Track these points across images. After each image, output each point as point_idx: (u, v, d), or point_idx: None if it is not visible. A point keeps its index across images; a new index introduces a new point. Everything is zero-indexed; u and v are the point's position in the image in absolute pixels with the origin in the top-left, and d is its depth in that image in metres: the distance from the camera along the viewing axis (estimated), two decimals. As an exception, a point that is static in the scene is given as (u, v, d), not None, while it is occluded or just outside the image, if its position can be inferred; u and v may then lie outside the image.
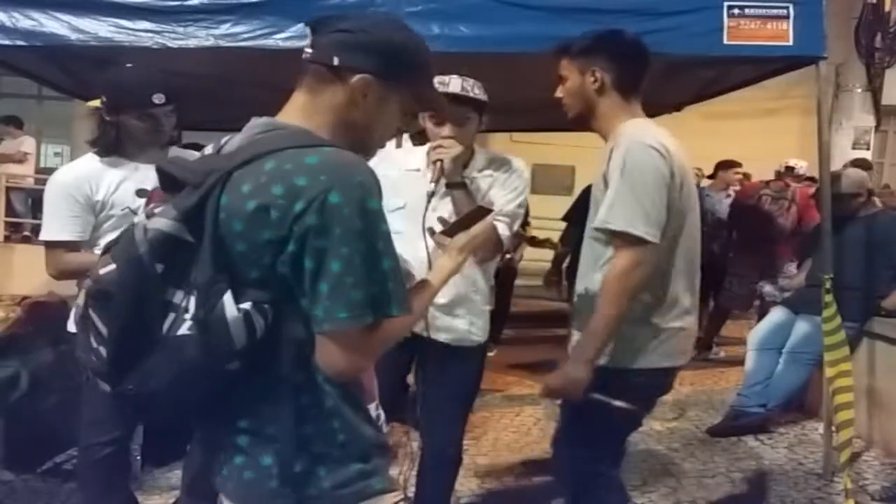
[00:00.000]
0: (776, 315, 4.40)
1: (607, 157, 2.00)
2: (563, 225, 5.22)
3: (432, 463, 2.47)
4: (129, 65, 2.43)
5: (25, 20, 2.99)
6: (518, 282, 6.29)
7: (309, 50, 1.27)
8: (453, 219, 2.24)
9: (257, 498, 1.26)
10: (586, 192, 5.05)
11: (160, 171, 1.25)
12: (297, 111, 1.28)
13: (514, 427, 4.30)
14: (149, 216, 1.19)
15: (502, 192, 2.34)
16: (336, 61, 1.24)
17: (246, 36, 3.01)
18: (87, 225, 2.33)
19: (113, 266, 1.15)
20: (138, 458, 3.07)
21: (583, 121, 2.14)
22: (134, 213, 2.35)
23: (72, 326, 2.45)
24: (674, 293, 2.04)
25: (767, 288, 4.80)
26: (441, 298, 2.20)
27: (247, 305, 1.15)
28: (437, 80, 2.21)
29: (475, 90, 2.26)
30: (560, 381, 1.97)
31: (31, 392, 3.20)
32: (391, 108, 1.31)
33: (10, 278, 7.01)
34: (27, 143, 8.74)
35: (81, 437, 2.42)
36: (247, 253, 1.16)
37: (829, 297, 3.17)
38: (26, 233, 8.35)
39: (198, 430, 1.36)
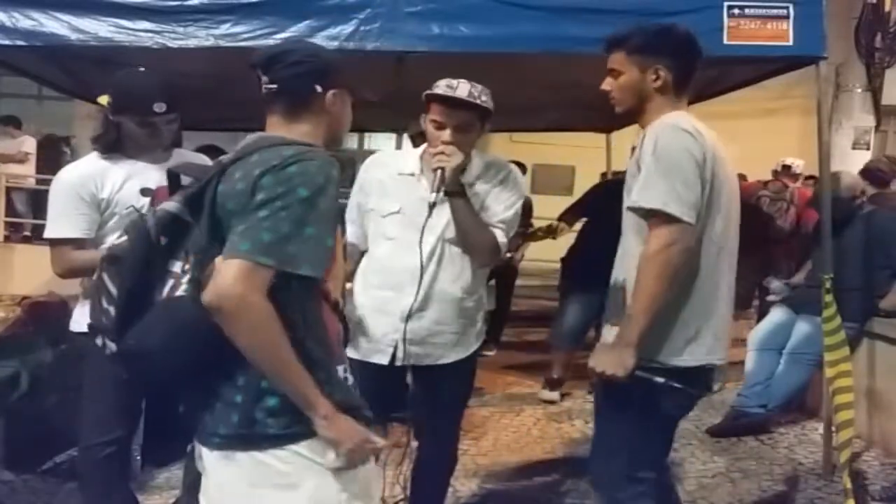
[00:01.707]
0: (776, 315, 4.40)
1: (640, 144, 1.98)
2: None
3: (428, 464, 2.48)
4: (141, 69, 2.43)
5: (25, 20, 2.99)
6: (518, 282, 6.29)
7: (273, 85, 1.54)
8: (451, 227, 2.25)
9: (254, 449, 1.42)
10: (594, 190, 5.01)
11: (170, 175, 1.54)
12: (279, 128, 1.55)
13: (514, 427, 4.30)
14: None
15: (499, 200, 2.32)
16: (319, 88, 1.55)
17: (246, 36, 3.01)
18: (92, 223, 2.34)
19: (125, 237, 1.42)
20: (138, 458, 3.06)
21: (630, 116, 2.11)
22: (138, 211, 2.35)
23: (73, 326, 2.46)
24: (702, 286, 1.99)
25: (775, 283, 4.77)
26: (423, 330, 2.27)
27: None
28: (445, 83, 2.21)
29: (482, 97, 2.22)
30: (604, 366, 1.89)
31: (31, 392, 3.20)
32: (348, 106, 1.64)
33: (10, 278, 7.02)
34: (28, 143, 8.74)
35: (82, 437, 2.42)
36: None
37: (829, 298, 3.17)
38: (26, 233, 8.36)
39: (193, 390, 1.50)
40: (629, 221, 2.05)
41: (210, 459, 1.48)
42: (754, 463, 3.81)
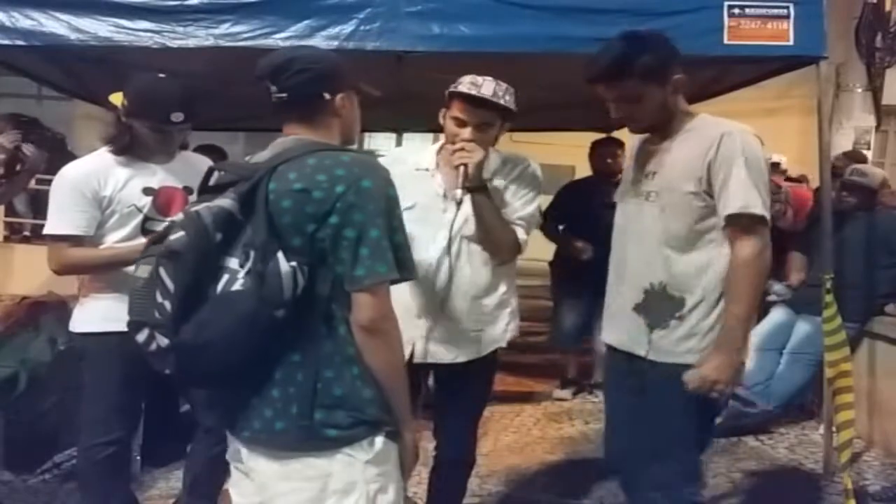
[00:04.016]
0: (777, 315, 4.40)
1: (715, 146, 2.00)
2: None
3: (445, 465, 2.47)
4: (161, 75, 2.43)
5: (25, 20, 2.99)
6: (518, 282, 6.28)
7: (282, 94, 1.59)
8: (469, 224, 2.24)
9: (288, 443, 1.50)
10: (564, 191, 5.03)
11: (210, 172, 1.59)
12: (300, 132, 1.61)
13: (514, 427, 4.30)
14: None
15: (517, 196, 2.31)
16: (327, 95, 1.61)
17: (246, 36, 3.01)
18: (92, 220, 2.33)
19: (182, 233, 1.42)
20: (138, 458, 3.06)
21: (650, 130, 2.17)
22: (140, 210, 2.36)
23: (73, 326, 2.45)
24: None
25: (777, 286, 4.76)
26: (441, 328, 2.27)
27: (293, 264, 1.44)
28: (469, 80, 2.20)
29: (506, 97, 2.21)
30: (718, 373, 1.96)
31: (31, 392, 3.19)
32: (356, 106, 1.71)
33: (10, 278, 7.01)
34: (28, 144, 8.71)
35: (82, 437, 2.43)
36: (292, 224, 1.47)
37: (829, 297, 3.16)
38: (26, 233, 8.34)
39: (231, 391, 1.56)
40: (658, 221, 2.08)
41: (256, 458, 1.55)
42: (754, 463, 3.81)
